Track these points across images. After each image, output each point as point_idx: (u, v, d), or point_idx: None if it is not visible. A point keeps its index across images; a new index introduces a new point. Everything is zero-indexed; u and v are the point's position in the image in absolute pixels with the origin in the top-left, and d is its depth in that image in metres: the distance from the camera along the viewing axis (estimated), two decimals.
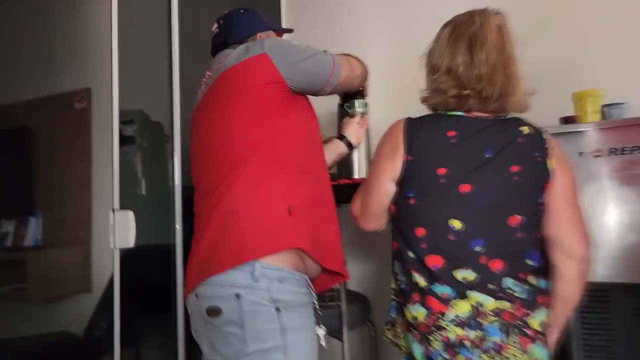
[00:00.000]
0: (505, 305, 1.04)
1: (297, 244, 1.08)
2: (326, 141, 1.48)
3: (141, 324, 1.75)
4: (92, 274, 2.06)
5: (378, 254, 2.17)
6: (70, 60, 2.17)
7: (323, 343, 1.14)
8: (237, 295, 1.01)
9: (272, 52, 1.15)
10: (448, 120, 1.13)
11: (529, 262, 1.08)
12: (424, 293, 1.08)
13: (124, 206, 1.57)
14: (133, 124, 1.87)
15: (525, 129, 1.11)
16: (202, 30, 1.44)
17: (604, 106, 1.55)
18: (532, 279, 1.07)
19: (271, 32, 1.36)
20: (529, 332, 1.03)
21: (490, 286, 1.04)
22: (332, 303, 1.64)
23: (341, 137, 1.51)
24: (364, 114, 1.56)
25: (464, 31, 1.13)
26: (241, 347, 1.01)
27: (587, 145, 1.43)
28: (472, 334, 1.03)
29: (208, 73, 1.25)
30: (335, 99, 1.60)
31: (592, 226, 1.15)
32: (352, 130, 1.52)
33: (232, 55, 1.18)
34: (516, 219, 1.06)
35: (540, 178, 1.08)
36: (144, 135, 1.86)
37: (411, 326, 1.11)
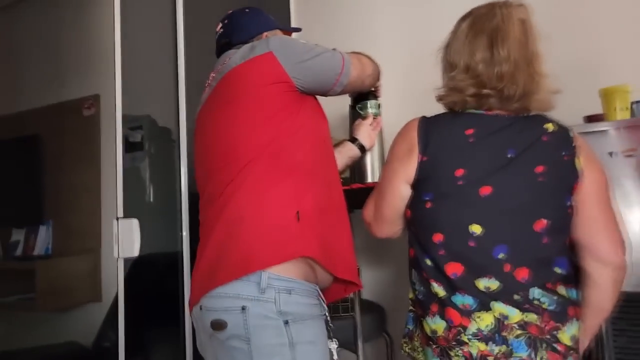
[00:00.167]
0: (532, 317, 0.96)
1: (306, 252, 1.03)
2: (337, 144, 1.44)
3: (148, 335, 1.71)
4: (102, 283, 2.04)
5: (394, 259, 2.11)
6: (79, 67, 2.16)
7: (335, 358, 1.09)
8: (243, 308, 0.97)
9: (278, 50, 1.11)
10: (466, 118, 1.07)
11: (558, 270, 1.00)
12: (443, 304, 1.01)
13: (129, 214, 1.53)
14: (141, 130, 1.85)
15: (550, 127, 1.04)
16: (208, 33, 1.41)
17: (633, 103, 1.48)
18: (561, 289, 1.00)
19: (278, 31, 1.32)
20: (559, 347, 0.96)
21: (516, 297, 0.97)
22: (345, 314, 1.57)
23: (353, 139, 1.46)
24: (376, 115, 1.51)
25: (484, 25, 1.06)
26: None
27: (617, 144, 1.34)
28: (497, 349, 0.95)
29: (212, 74, 1.21)
30: (346, 100, 1.55)
31: (626, 230, 1.07)
32: (365, 133, 1.47)
33: (236, 55, 1.14)
34: (542, 224, 0.99)
35: (567, 178, 1.01)
36: (152, 141, 1.83)
37: (430, 340, 1.05)
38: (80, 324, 2.06)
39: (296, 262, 1.02)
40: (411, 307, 1.16)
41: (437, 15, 1.99)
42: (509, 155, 1.01)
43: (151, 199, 1.80)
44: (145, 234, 1.53)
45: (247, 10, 1.32)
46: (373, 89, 1.47)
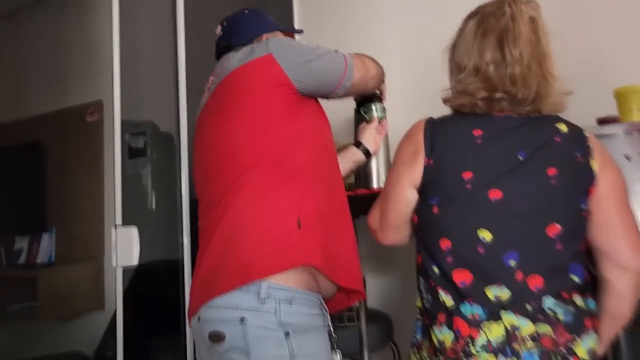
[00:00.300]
0: (545, 329, 0.92)
1: (308, 261, 1.00)
2: (342, 148, 1.42)
3: (148, 344, 1.68)
4: (105, 291, 2.02)
5: (400, 266, 2.06)
6: (82, 73, 2.16)
7: None
8: (242, 319, 0.94)
9: (278, 52, 1.08)
10: (474, 119, 1.02)
11: (573, 277, 0.95)
12: (451, 313, 0.97)
13: (129, 221, 1.51)
14: (144, 136, 1.83)
15: (563, 127, 1.00)
16: (208, 38, 1.39)
17: None
18: (577, 299, 0.95)
19: (278, 33, 1.30)
20: None
21: (528, 306, 0.93)
22: (350, 323, 1.53)
23: (358, 144, 1.43)
24: (382, 119, 1.48)
25: (492, 24, 1.02)
26: None
27: (633, 146, 1.29)
28: None
29: (211, 78, 1.19)
30: (350, 103, 1.52)
31: None
32: (370, 137, 1.44)
33: (235, 58, 1.11)
34: (555, 229, 0.95)
35: (582, 181, 0.97)
36: (154, 147, 1.82)
37: (438, 351, 1.00)
38: (83, 333, 2.05)
39: (297, 270, 0.99)
40: (418, 316, 1.12)
41: (443, 15, 1.95)
42: (519, 157, 0.97)
43: (153, 206, 1.78)
44: (145, 241, 1.51)
45: (246, 11, 1.30)
46: (378, 92, 1.45)
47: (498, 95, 0.99)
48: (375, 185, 1.55)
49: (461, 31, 1.08)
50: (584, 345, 0.92)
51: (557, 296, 0.93)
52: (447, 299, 0.97)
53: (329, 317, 1.07)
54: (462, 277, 0.96)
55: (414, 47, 2.10)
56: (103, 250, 2.01)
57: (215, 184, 1.07)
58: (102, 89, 1.83)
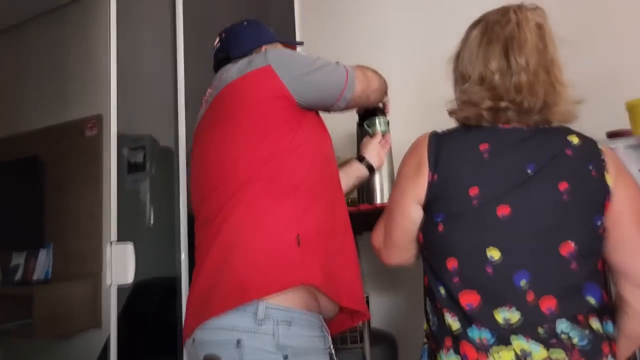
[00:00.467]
0: (559, 355, 0.86)
1: (308, 280, 0.96)
2: (344, 163, 1.38)
3: None
4: (102, 309, 1.97)
5: (405, 285, 2.00)
6: (82, 87, 2.15)
7: None
8: (238, 341, 0.90)
9: (277, 63, 1.05)
10: (480, 132, 0.98)
11: (590, 299, 0.90)
12: (458, 338, 0.92)
13: (125, 237, 1.46)
14: (143, 150, 1.81)
15: (575, 139, 0.95)
16: (207, 51, 1.37)
17: None
18: (594, 322, 0.89)
19: (278, 45, 1.28)
20: None
21: (540, 330, 0.87)
22: (354, 345, 1.48)
23: (361, 158, 1.39)
24: (385, 133, 1.44)
25: (497, 31, 0.99)
26: None
27: None
28: None
29: (209, 90, 1.17)
30: (353, 116, 1.49)
31: None
32: (373, 151, 1.40)
33: (233, 70, 1.09)
34: (569, 247, 0.89)
35: (596, 196, 0.92)
36: (153, 162, 1.78)
37: None
38: (79, 352, 1.99)
39: (297, 290, 0.95)
40: (425, 340, 1.06)
41: (448, 25, 1.93)
42: (528, 171, 0.92)
43: (151, 221, 1.74)
44: (142, 258, 1.46)
45: (245, 23, 1.28)
46: (381, 105, 1.41)
47: (503, 104, 0.96)
48: (378, 200, 1.51)
49: (465, 40, 1.05)
50: None
51: (572, 319, 0.87)
52: (454, 322, 0.92)
53: (330, 339, 1.03)
54: (469, 299, 0.91)
55: (418, 59, 2.08)
56: (101, 268, 1.97)
57: (211, 199, 1.04)
58: (102, 103, 1.81)
